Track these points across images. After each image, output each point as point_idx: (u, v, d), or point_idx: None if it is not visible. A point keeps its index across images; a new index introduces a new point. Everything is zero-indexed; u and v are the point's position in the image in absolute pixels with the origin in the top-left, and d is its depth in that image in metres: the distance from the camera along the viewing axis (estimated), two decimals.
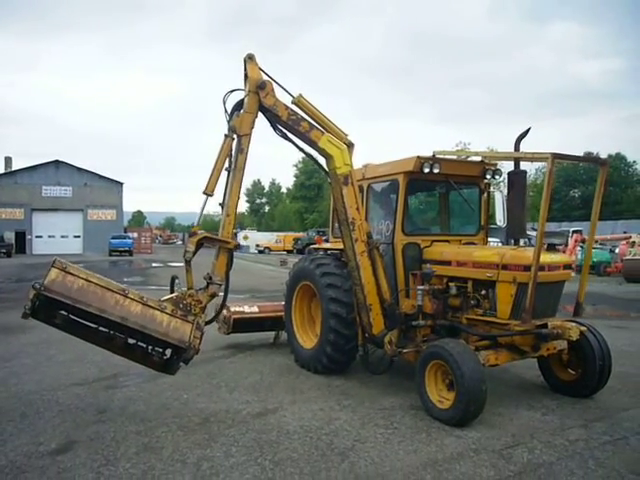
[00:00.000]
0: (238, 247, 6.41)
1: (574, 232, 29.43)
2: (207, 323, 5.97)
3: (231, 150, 6.13)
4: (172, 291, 5.93)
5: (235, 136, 6.12)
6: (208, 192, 5.99)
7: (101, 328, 5.65)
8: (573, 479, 4.31)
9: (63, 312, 5.59)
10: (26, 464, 4.51)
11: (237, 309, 8.89)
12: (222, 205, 6.15)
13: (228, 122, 6.21)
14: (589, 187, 63.82)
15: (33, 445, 4.90)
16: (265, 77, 6.23)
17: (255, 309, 9.10)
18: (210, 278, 5.87)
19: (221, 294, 6.13)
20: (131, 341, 5.79)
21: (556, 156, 5.25)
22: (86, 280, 5.33)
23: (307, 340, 7.88)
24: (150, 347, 5.83)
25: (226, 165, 6.10)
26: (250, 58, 6.21)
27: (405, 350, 6.44)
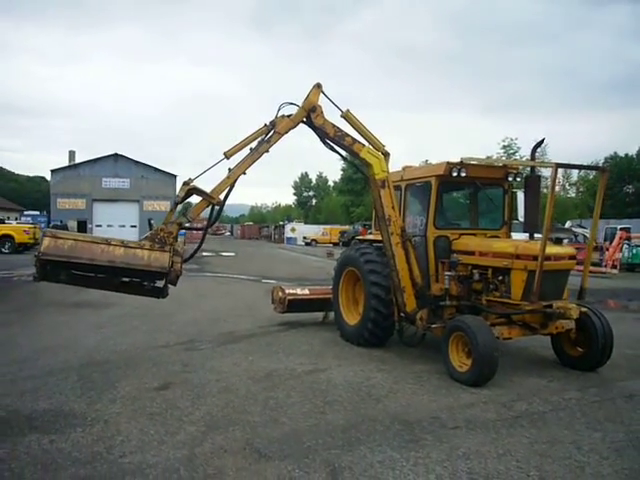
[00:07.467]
0: (219, 204, 7.32)
1: (621, 229, 29.59)
2: (184, 262, 7.32)
3: (263, 137, 7.45)
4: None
5: (272, 130, 7.46)
6: (227, 155, 7.31)
7: (99, 275, 7.02)
8: (560, 423, 5.45)
9: (65, 270, 6.78)
10: (138, 395, 6.02)
11: (291, 291, 10.27)
12: (230, 170, 7.39)
13: (275, 117, 7.52)
14: None
15: (140, 384, 6.42)
16: (319, 102, 7.56)
17: (306, 292, 10.47)
18: (185, 213, 7.23)
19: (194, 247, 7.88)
20: (125, 279, 7.16)
21: (559, 165, 6.34)
22: (74, 240, 6.49)
23: (351, 318, 9.17)
24: (142, 280, 7.19)
25: (252, 145, 7.43)
26: (318, 86, 7.59)
27: (434, 326, 7.61)
